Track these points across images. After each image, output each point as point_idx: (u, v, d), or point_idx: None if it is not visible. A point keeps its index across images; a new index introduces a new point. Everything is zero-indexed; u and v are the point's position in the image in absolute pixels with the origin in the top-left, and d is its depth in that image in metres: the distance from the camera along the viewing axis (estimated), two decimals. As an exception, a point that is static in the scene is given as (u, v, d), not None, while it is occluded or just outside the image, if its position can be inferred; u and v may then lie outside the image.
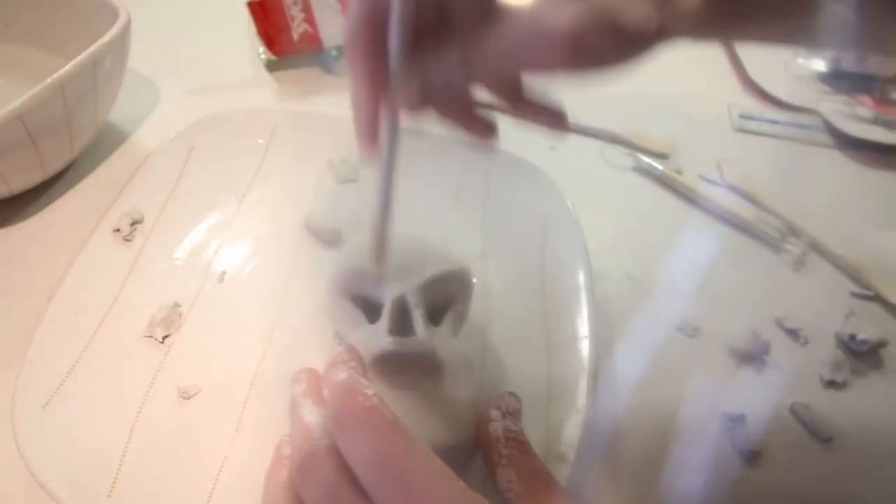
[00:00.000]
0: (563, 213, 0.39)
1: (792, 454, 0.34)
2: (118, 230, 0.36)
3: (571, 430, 0.30)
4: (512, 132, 0.31)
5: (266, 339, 0.33)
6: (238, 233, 0.38)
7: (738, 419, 0.34)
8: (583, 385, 0.32)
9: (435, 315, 0.31)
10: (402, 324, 0.29)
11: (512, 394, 0.27)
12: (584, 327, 0.34)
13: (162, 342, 0.32)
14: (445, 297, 0.33)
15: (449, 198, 0.41)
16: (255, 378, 0.32)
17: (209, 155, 0.41)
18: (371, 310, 0.32)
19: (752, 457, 0.33)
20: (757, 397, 0.36)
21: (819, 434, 0.34)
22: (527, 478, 0.24)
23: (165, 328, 0.33)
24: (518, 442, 0.26)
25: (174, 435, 0.29)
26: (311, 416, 0.25)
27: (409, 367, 0.27)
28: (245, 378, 0.32)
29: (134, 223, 0.37)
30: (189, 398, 0.31)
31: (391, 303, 0.29)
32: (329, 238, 0.38)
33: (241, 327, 0.34)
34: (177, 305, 0.34)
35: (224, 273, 0.36)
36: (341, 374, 0.24)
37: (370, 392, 0.23)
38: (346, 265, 0.33)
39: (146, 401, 0.30)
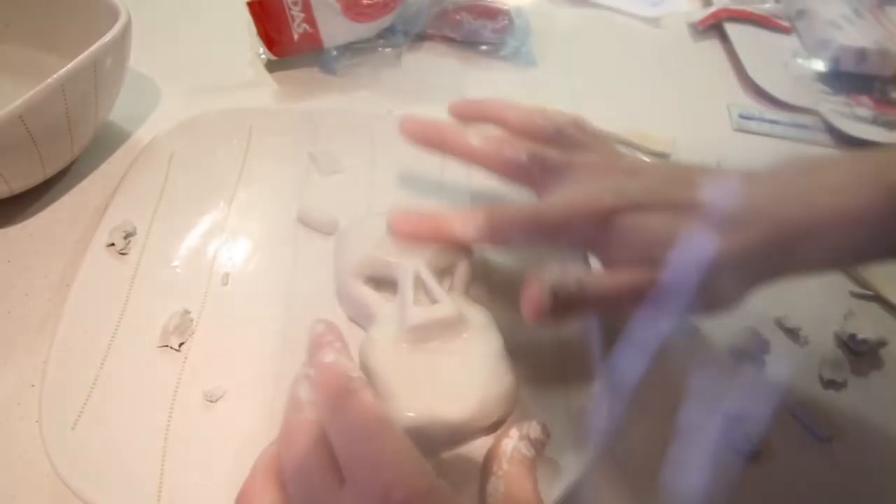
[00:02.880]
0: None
1: (792, 454, 0.34)
2: (112, 244, 0.35)
3: (575, 432, 0.30)
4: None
5: (281, 332, 0.33)
6: (233, 233, 0.38)
7: (738, 419, 0.34)
8: (585, 387, 0.32)
9: (443, 281, 0.33)
10: (422, 294, 0.31)
11: (542, 424, 0.27)
12: (584, 327, 0.34)
13: (178, 350, 0.32)
14: (448, 263, 0.34)
15: (449, 198, 0.41)
16: (279, 373, 0.32)
17: (190, 159, 0.41)
18: (381, 290, 0.33)
19: (752, 457, 0.33)
20: (757, 397, 0.36)
21: (819, 434, 0.34)
22: (515, 495, 0.24)
23: (180, 335, 0.33)
24: (524, 466, 0.25)
25: (209, 439, 0.29)
26: (304, 392, 0.26)
27: (440, 332, 0.29)
28: (269, 374, 0.32)
29: (127, 236, 0.36)
30: (216, 401, 0.31)
31: (410, 277, 0.31)
32: (326, 227, 0.38)
33: (254, 325, 0.34)
34: (186, 312, 0.34)
35: (227, 275, 0.36)
36: (328, 357, 0.25)
37: (355, 375, 0.25)
38: (352, 250, 0.34)
39: (174, 409, 0.30)
